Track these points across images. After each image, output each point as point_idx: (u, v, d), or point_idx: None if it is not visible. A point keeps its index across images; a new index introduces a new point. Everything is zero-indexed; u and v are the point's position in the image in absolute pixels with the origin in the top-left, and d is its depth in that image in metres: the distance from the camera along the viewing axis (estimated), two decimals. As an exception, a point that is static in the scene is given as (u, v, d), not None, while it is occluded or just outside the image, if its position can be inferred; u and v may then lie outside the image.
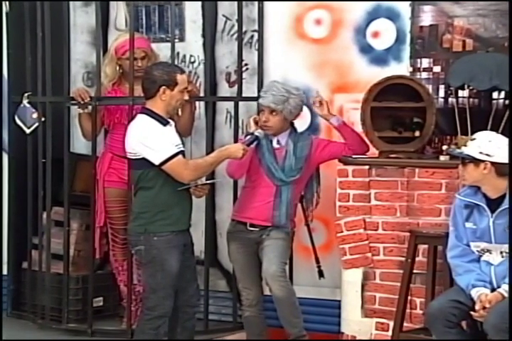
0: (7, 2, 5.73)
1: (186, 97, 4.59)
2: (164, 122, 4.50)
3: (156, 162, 4.42)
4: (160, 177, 4.46)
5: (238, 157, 4.63)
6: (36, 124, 5.48)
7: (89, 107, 5.26)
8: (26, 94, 5.50)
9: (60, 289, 5.40)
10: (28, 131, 5.52)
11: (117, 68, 5.28)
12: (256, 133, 4.80)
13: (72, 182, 5.50)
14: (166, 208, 4.48)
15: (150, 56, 5.28)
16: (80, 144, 5.73)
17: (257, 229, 4.87)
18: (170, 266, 4.45)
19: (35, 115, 5.49)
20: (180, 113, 4.96)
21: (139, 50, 5.20)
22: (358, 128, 4.96)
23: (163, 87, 4.47)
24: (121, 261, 5.33)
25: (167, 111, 4.53)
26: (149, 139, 4.43)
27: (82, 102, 5.23)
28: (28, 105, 5.50)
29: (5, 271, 5.78)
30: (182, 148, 4.53)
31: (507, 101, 4.75)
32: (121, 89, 5.32)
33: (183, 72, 4.58)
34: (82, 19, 5.91)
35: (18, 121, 5.54)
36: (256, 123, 4.89)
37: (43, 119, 5.43)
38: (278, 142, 4.93)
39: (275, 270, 4.72)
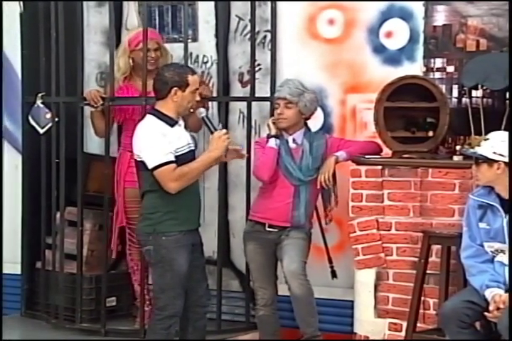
0: (21, 2, 5.74)
1: (198, 98, 4.57)
2: (172, 123, 4.49)
3: (149, 166, 4.43)
4: None
5: (225, 147, 4.50)
6: (50, 124, 5.49)
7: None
8: (40, 95, 5.50)
9: (74, 289, 5.40)
10: (41, 131, 5.53)
11: (130, 61, 5.29)
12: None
13: (85, 182, 5.50)
14: (174, 209, 4.47)
15: (162, 49, 5.28)
16: (93, 144, 5.74)
17: (275, 230, 4.88)
18: (179, 265, 4.45)
19: (48, 115, 5.50)
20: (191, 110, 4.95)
21: (152, 42, 5.21)
22: (371, 128, 4.95)
23: (175, 88, 4.46)
24: (136, 260, 5.33)
25: (178, 112, 4.53)
26: (148, 142, 4.42)
27: (95, 105, 5.25)
28: (41, 105, 5.51)
29: (19, 271, 5.79)
30: (186, 150, 4.49)
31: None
32: (132, 84, 5.32)
33: (194, 72, 4.57)
34: (95, 19, 5.92)
35: (31, 122, 5.55)
36: (274, 125, 4.90)
37: (56, 119, 5.44)
38: (294, 141, 4.93)
39: (296, 268, 4.74)
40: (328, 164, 4.82)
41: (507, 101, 4.80)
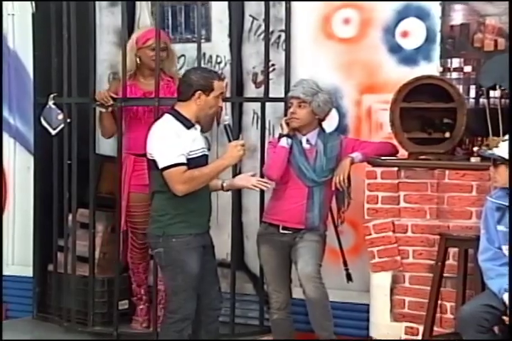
0: (33, 3, 5.73)
1: (221, 104, 4.58)
2: (188, 125, 4.47)
3: (160, 166, 4.40)
4: None
5: (239, 156, 4.52)
6: (62, 125, 5.47)
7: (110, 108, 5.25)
8: (52, 95, 5.49)
9: (86, 291, 5.39)
10: (53, 132, 5.51)
11: (136, 59, 5.26)
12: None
13: (97, 184, 5.48)
14: (183, 212, 4.45)
15: (169, 50, 5.25)
16: (105, 145, 5.72)
17: (289, 232, 4.84)
18: (190, 267, 4.43)
19: (60, 116, 5.48)
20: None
21: (160, 41, 5.17)
22: (387, 129, 4.90)
23: (199, 91, 4.45)
24: (137, 263, 5.38)
25: (198, 116, 4.51)
26: (162, 142, 4.40)
27: (105, 105, 5.22)
28: (53, 106, 5.49)
29: (31, 274, 5.78)
30: (199, 154, 4.46)
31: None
32: (136, 83, 5.29)
33: (221, 79, 4.57)
34: (108, 20, 5.91)
35: (43, 123, 5.54)
36: (288, 125, 4.86)
37: (68, 120, 5.42)
38: (308, 142, 4.89)
39: (311, 271, 4.70)
40: (344, 165, 4.78)
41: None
